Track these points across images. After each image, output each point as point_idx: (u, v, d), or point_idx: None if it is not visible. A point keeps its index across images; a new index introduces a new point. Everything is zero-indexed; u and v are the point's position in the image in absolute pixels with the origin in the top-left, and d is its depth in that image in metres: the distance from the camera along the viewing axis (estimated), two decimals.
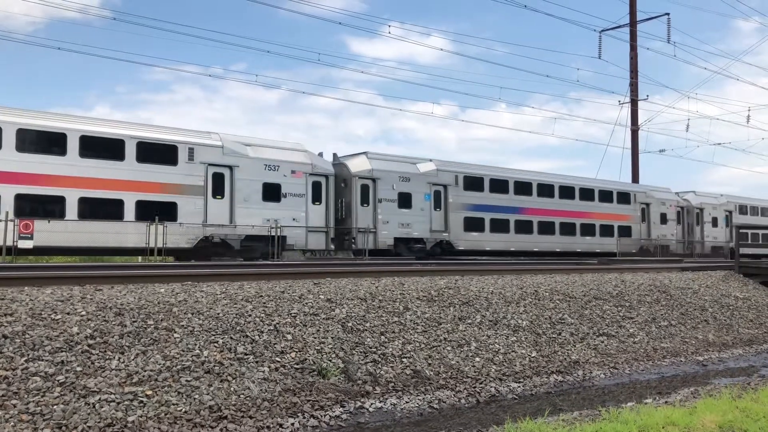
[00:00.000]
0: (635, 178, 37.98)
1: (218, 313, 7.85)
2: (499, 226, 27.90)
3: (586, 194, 31.57)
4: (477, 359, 8.70)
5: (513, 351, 9.22)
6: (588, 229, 31.56)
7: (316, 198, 23.03)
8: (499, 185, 28.14)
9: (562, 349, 9.76)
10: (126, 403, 5.88)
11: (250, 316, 8.01)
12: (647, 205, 34.34)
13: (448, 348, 8.76)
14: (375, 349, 8.13)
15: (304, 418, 6.45)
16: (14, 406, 5.52)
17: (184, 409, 6.05)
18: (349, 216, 24.00)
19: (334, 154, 25.16)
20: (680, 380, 9.25)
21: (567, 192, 30.85)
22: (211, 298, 8.33)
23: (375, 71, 78.19)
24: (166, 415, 5.91)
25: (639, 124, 38.85)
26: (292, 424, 6.29)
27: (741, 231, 20.00)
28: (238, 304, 8.31)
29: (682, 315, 12.62)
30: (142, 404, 5.93)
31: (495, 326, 9.80)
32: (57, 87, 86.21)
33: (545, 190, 29.96)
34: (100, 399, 5.83)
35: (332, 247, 24.86)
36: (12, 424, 5.33)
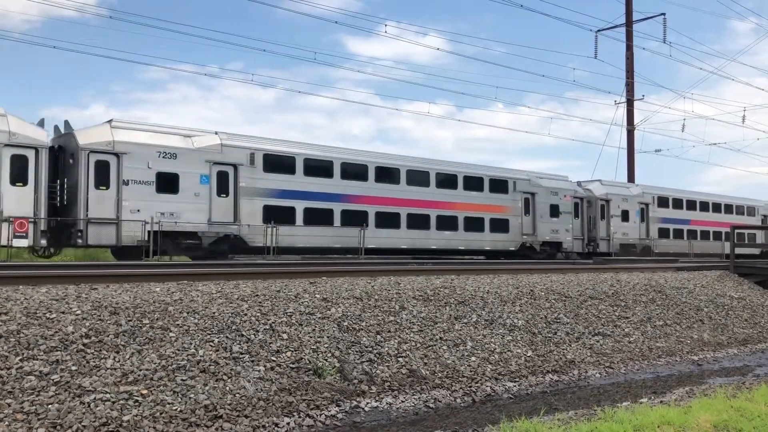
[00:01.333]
0: (631, 177, 38.05)
1: (214, 313, 7.84)
2: (318, 218, 22.73)
3: (446, 181, 26.16)
4: (473, 358, 8.71)
5: (509, 350, 9.24)
6: (447, 222, 26.04)
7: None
8: (317, 168, 22.97)
9: (557, 348, 9.78)
10: (121, 402, 5.87)
11: (245, 315, 8.01)
12: (532, 194, 28.98)
13: (444, 347, 8.77)
14: (371, 349, 8.13)
15: (300, 417, 6.45)
16: (9, 405, 5.50)
17: (179, 409, 6.04)
18: (75, 203, 18.39)
19: (66, 122, 19.74)
20: (675, 380, 9.27)
21: (418, 178, 25.44)
22: (207, 298, 8.32)
23: (371, 70, 78.27)
24: (161, 414, 5.90)
25: (635, 124, 38.93)
26: (288, 424, 6.29)
27: (737, 231, 20.10)
28: (233, 303, 8.30)
29: (677, 315, 12.65)
30: (137, 403, 5.92)
31: (491, 325, 9.81)
32: (53, 86, 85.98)
33: (387, 175, 24.62)
34: (95, 398, 5.82)
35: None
36: (6, 423, 5.31)
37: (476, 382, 8.12)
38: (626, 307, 12.22)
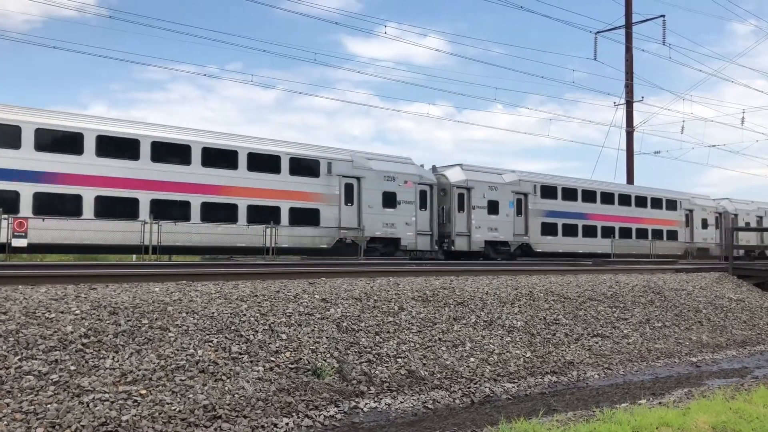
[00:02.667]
0: (630, 179, 38.07)
1: (213, 313, 7.84)
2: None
3: (215, 157, 20.96)
4: (472, 359, 8.71)
5: (507, 351, 9.24)
6: (222, 213, 21.22)
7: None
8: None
9: (556, 349, 9.78)
10: (120, 402, 5.87)
11: (244, 315, 8.00)
12: (357, 179, 23.90)
13: (443, 348, 8.77)
14: (370, 349, 8.13)
15: (299, 417, 6.45)
16: (8, 404, 5.50)
17: (178, 409, 6.03)
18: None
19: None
20: (674, 381, 9.28)
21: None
22: (206, 298, 8.32)
23: (371, 71, 78.24)
24: (160, 414, 5.90)
25: (634, 125, 38.95)
26: (287, 424, 6.29)
27: (736, 231, 20.17)
28: (232, 303, 8.30)
29: (676, 316, 12.66)
30: (136, 403, 5.92)
31: (490, 327, 9.81)
32: (52, 85, 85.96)
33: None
34: (94, 398, 5.81)
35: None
36: (5, 422, 5.31)
37: (475, 383, 8.13)
38: (625, 308, 12.22)
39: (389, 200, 24.68)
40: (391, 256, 24.23)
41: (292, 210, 22.09)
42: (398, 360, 8.13)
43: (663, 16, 38.31)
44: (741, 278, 16.74)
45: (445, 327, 9.36)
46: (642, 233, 34.17)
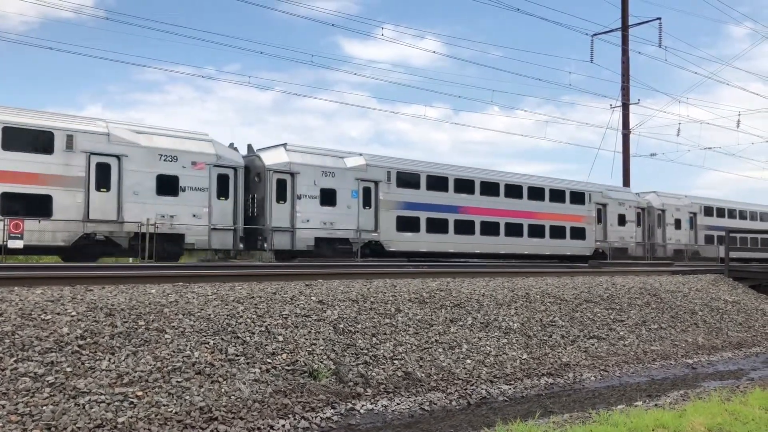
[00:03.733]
0: (626, 181, 38.11)
1: (209, 315, 7.83)
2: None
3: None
4: (468, 361, 8.71)
5: (504, 353, 9.24)
6: None
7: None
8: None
9: (552, 351, 9.79)
10: (116, 403, 5.86)
11: (241, 317, 8.00)
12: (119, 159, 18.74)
13: (440, 350, 8.77)
14: (366, 351, 8.13)
15: (295, 419, 6.45)
16: (3, 406, 5.48)
17: (174, 410, 6.03)
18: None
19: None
20: (670, 383, 9.29)
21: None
22: (203, 299, 8.31)
23: (369, 73, 78.22)
24: (156, 416, 5.89)
25: (630, 127, 39.01)
26: (283, 426, 6.28)
27: (730, 233, 20.29)
28: (229, 305, 8.29)
29: (672, 318, 12.69)
30: (132, 405, 5.91)
31: (486, 328, 9.82)
32: (49, 87, 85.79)
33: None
34: (90, 400, 5.80)
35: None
36: (1, 424, 5.30)
37: (471, 385, 8.13)
38: (621, 310, 12.24)
39: (168, 186, 19.73)
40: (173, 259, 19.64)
41: (4, 195, 17.15)
42: (395, 362, 8.13)
43: (659, 18, 38.27)
44: (737, 280, 16.80)
45: (442, 329, 9.36)
46: (536, 230, 29.04)
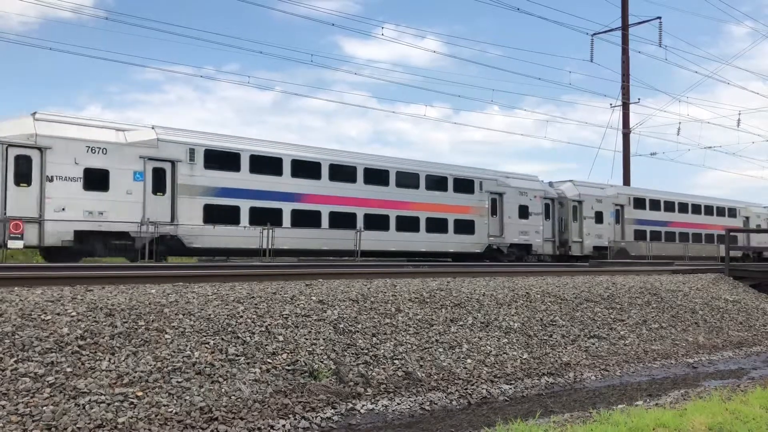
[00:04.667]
0: (626, 181, 38.12)
1: (209, 314, 7.83)
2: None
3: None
4: (468, 361, 8.71)
5: (504, 353, 9.24)
6: None
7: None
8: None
9: (553, 351, 9.78)
10: (116, 404, 5.85)
11: (241, 317, 7.99)
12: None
13: (440, 350, 8.76)
14: (367, 351, 8.13)
15: (296, 419, 6.44)
16: (3, 407, 5.48)
17: (174, 411, 6.02)
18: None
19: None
20: (671, 382, 9.29)
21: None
22: (203, 299, 8.30)
23: (368, 73, 78.21)
24: (156, 416, 5.88)
25: (630, 127, 39.03)
26: (284, 426, 6.28)
27: (731, 232, 20.35)
28: (229, 305, 8.29)
29: (672, 317, 12.68)
30: (132, 405, 5.90)
31: (486, 328, 9.82)
32: (49, 87, 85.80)
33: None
34: (90, 400, 5.80)
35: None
36: (1, 425, 5.30)
37: (472, 385, 8.12)
38: (622, 309, 12.24)
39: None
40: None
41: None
42: (395, 361, 8.12)
43: (659, 18, 38.29)
44: (737, 279, 16.79)
45: (442, 328, 9.36)
46: (408, 223, 24.73)
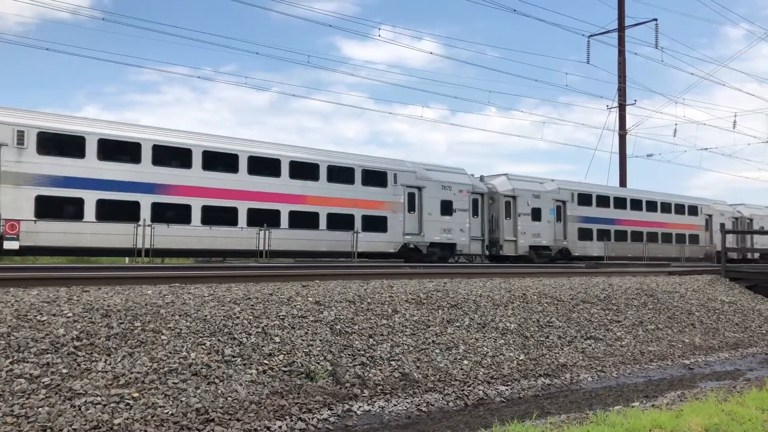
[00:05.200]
0: (623, 182, 38.18)
1: (206, 315, 7.82)
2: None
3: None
4: (465, 362, 8.71)
5: (501, 354, 9.24)
6: None
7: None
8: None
9: (549, 352, 9.79)
10: (112, 405, 5.84)
11: (237, 318, 7.98)
12: None
13: (437, 351, 8.76)
14: (363, 352, 8.12)
15: (292, 420, 6.43)
16: None
17: (170, 412, 6.01)
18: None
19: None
20: (667, 383, 9.30)
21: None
22: (199, 300, 8.29)
23: (365, 74, 78.26)
24: (152, 417, 5.87)
25: (627, 128, 39.08)
26: (280, 427, 6.27)
27: (726, 233, 20.38)
28: (225, 306, 8.28)
29: (669, 319, 12.70)
30: (128, 406, 5.89)
31: (483, 329, 9.82)
32: (45, 87, 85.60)
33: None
34: (85, 401, 5.78)
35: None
36: None
37: (469, 386, 8.12)
38: (618, 311, 12.25)
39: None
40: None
41: None
42: (392, 363, 8.12)
43: (655, 19, 38.40)
44: (733, 281, 16.83)
45: (439, 329, 9.36)
46: (305, 220, 21.89)
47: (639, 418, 5.92)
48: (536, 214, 29.05)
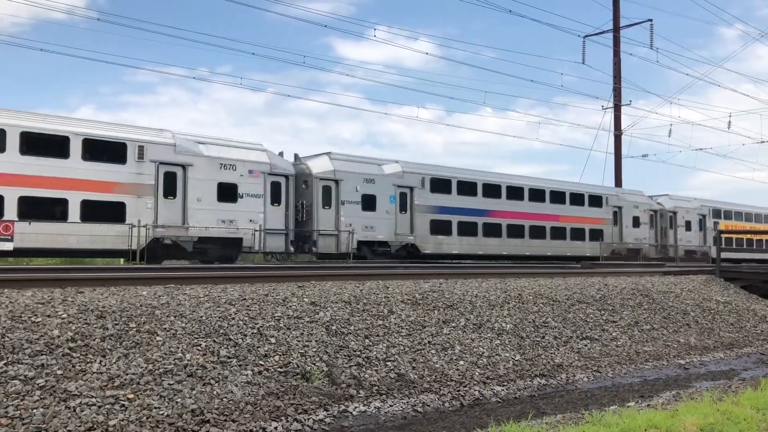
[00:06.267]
0: (618, 182, 38.24)
1: (201, 316, 7.80)
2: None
3: None
4: (461, 362, 8.71)
5: (497, 354, 9.25)
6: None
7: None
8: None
9: (545, 352, 9.80)
10: (107, 406, 5.82)
11: (233, 319, 7.97)
12: None
13: (433, 351, 8.76)
14: (359, 353, 8.12)
15: (288, 421, 6.42)
16: None
17: (166, 413, 5.99)
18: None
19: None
20: (662, 383, 9.32)
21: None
22: (194, 301, 8.27)
23: (361, 74, 78.30)
24: (147, 418, 5.85)
25: (622, 129, 39.17)
26: (276, 428, 6.26)
27: (721, 234, 20.49)
28: (221, 307, 8.26)
29: (664, 319, 12.72)
30: (123, 408, 5.87)
31: (479, 329, 9.82)
32: (40, 88, 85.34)
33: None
34: (80, 402, 5.76)
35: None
36: None
37: (464, 386, 8.12)
38: (614, 311, 12.27)
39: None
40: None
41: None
42: (388, 363, 8.11)
43: (650, 20, 38.43)
44: (728, 281, 16.87)
45: (435, 330, 9.36)
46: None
47: (634, 418, 5.93)
48: (369, 203, 23.38)
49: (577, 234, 30.24)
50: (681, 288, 15.12)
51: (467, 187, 26.24)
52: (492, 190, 27.10)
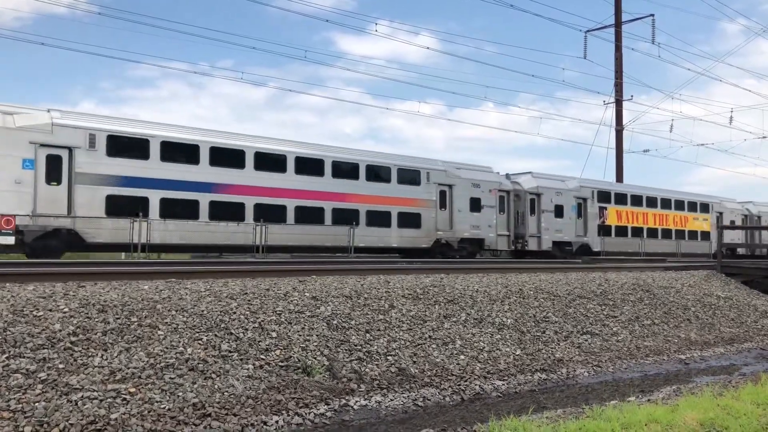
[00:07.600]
0: (619, 178, 38.20)
1: (203, 311, 7.81)
2: None
3: None
4: (462, 357, 8.72)
5: (497, 349, 9.26)
6: None
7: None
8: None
9: (546, 347, 9.81)
10: (109, 400, 5.84)
11: (234, 313, 7.98)
12: None
13: (433, 346, 8.77)
14: (360, 347, 8.13)
15: (289, 415, 6.44)
16: None
17: (167, 407, 6.01)
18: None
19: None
20: (663, 378, 9.33)
21: None
22: (196, 296, 8.28)
23: (363, 69, 78.12)
24: (149, 412, 5.87)
25: (623, 124, 39.11)
26: (277, 422, 6.27)
27: (723, 228, 20.33)
28: (222, 301, 8.27)
29: (665, 314, 12.73)
30: (125, 402, 5.89)
31: (480, 324, 9.83)
32: (42, 82, 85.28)
33: None
34: (82, 396, 5.78)
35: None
36: None
37: (465, 381, 8.14)
38: (614, 306, 12.28)
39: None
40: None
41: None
42: (388, 358, 8.13)
43: (652, 15, 38.34)
44: (729, 276, 16.87)
45: (436, 325, 9.37)
46: None
47: (635, 413, 5.93)
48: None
49: (379, 219, 23.27)
50: (682, 283, 15.12)
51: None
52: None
